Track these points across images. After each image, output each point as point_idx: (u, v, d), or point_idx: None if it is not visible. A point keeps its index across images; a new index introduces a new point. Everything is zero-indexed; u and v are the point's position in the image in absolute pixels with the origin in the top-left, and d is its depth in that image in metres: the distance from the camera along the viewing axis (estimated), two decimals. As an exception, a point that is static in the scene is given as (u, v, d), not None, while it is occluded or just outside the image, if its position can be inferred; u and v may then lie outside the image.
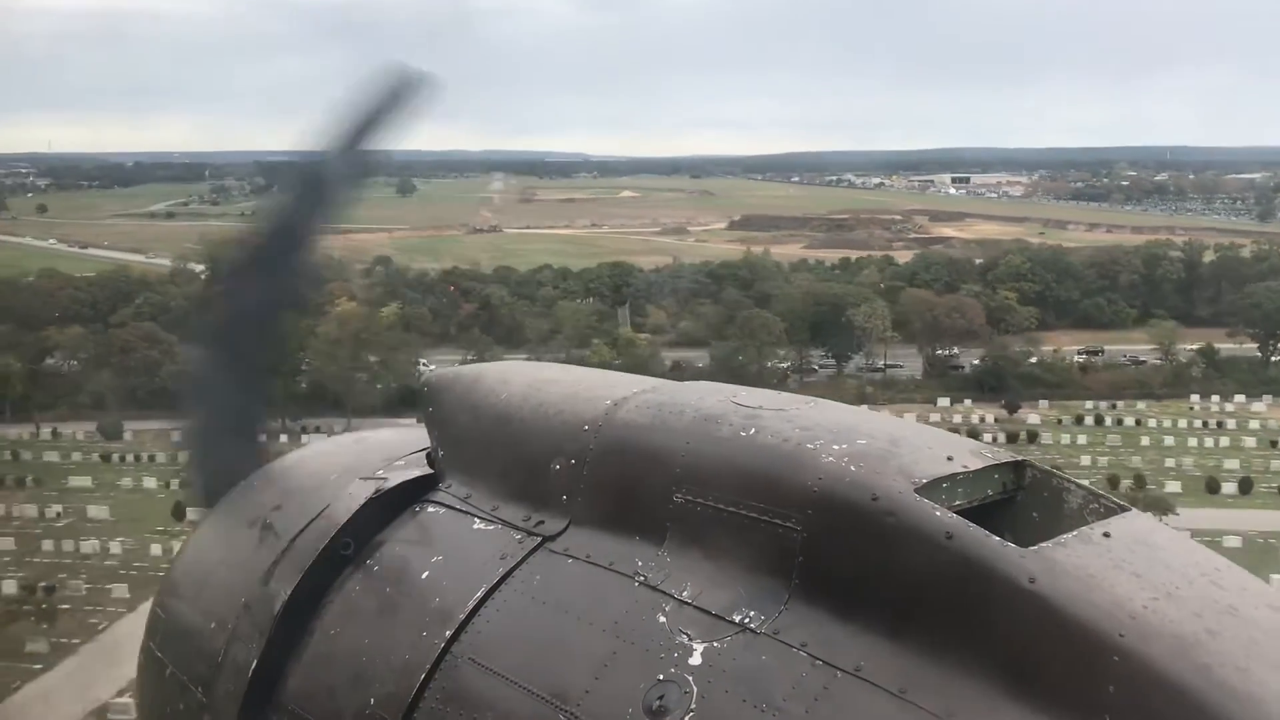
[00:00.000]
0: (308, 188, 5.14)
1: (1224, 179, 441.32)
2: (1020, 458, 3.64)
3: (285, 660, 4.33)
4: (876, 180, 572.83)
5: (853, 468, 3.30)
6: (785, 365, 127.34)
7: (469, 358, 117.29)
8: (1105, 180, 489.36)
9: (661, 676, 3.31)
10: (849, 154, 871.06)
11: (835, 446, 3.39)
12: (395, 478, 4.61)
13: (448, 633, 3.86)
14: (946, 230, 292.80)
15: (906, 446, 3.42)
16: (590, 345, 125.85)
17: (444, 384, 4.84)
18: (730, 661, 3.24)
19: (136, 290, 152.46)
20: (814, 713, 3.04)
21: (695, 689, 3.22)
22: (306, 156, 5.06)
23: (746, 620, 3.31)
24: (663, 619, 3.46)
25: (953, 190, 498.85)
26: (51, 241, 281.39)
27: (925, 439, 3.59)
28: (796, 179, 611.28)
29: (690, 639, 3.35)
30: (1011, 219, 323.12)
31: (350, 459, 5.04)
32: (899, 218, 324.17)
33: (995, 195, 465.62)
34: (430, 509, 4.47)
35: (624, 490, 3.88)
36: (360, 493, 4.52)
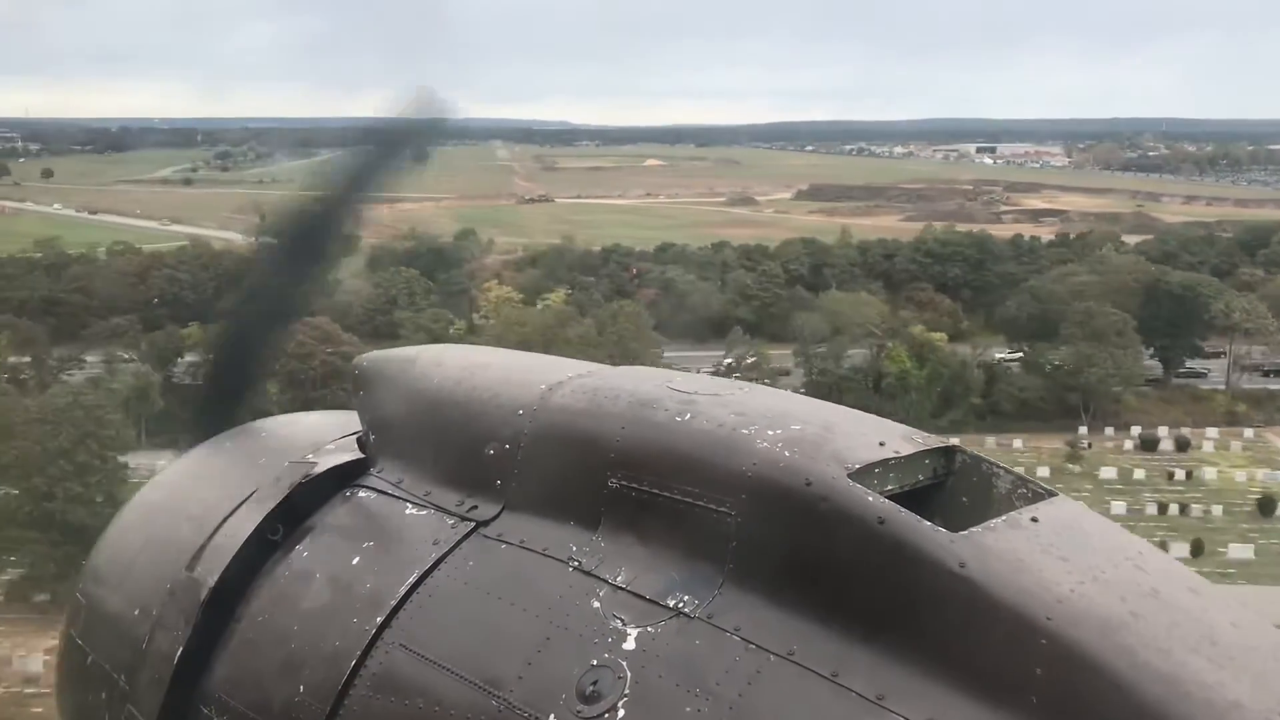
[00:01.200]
0: (340, 186, 5.15)
1: (1270, 150, 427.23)
2: (950, 443, 3.64)
3: (212, 648, 4.23)
4: (902, 149, 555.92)
5: (787, 453, 3.30)
6: (1143, 374, 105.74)
7: (734, 359, 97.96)
8: (1134, 151, 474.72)
9: (595, 662, 3.31)
10: (836, 124, 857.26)
11: (770, 432, 3.39)
12: (326, 462, 4.52)
13: (379, 619, 3.80)
14: (1034, 202, 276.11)
15: (840, 432, 3.43)
16: (873, 342, 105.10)
17: (376, 367, 4.71)
18: (664, 646, 3.24)
19: (242, 269, 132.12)
20: (747, 696, 3.06)
21: (629, 674, 3.23)
22: (363, 131, 5.20)
23: (680, 605, 3.31)
24: (597, 604, 3.44)
25: (989, 160, 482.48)
26: (60, 208, 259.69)
27: (858, 425, 3.60)
28: (811, 148, 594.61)
29: (624, 624, 3.34)
30: (1086, 190, 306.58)
31: (279, 442, 4.94)
32: (969, 187, 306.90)
33: (1037, 165, 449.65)
34: (361, 494, 4.39)
35: (558, 475, 3.84)
36: (290, 476, 4.43)
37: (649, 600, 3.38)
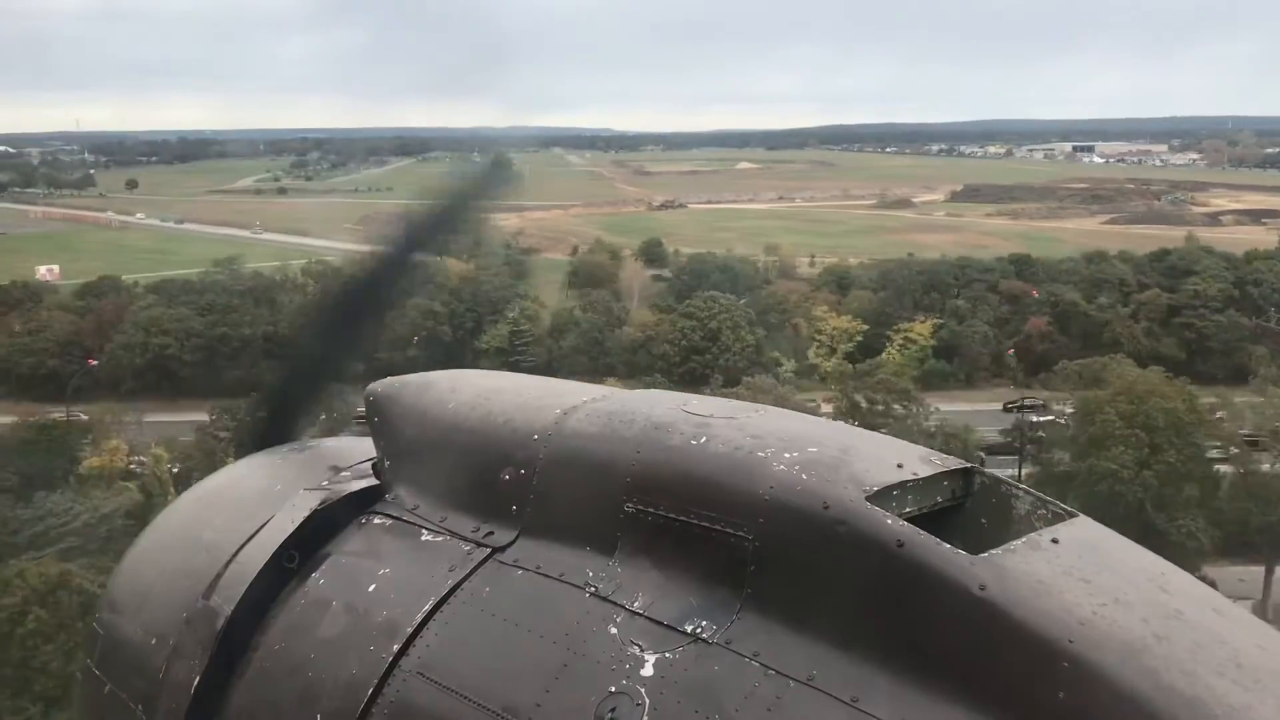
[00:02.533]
0: (414, 238, 5.29)
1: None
2: (969, 465, 3.62)
3: (229, 677, 4.23)
4: (998, 149, 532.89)
5: (804, 476, 3.27)
6: None
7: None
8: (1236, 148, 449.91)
9: (613, 688, 3.27)
10: (881, 126, 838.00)
11: (786, 455, 3.36)
12: (340, 489, 4.52)
13: (395, 647, 3.78)
14: (1220, 201, 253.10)
15: (857, 454, 3.40)
16: None
17: (390, 393, 4.68)
18: (682, 672, 3.20)
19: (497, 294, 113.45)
20: None
21: (647, 700, 3.19)
22: (419, 216, 5.33)
23: (699, 630, 3.28)
24: (614, 630, 3.41)
25: (1096, 159, 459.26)
26: (155, 219, 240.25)
27: (875, 447, 3.58)
28: (892, 149, 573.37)
29: (642, 650, 3.30)
30: (1259, 188, 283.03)
31: (294, 471, 4.96)
32: (1131, 187, 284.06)
33: (1158, 163, 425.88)
34: (376, 520, 4.39)
35: (574, 500, 3.81)
36: (305, 504, 4.43)
37: (667, 626, 3.33)
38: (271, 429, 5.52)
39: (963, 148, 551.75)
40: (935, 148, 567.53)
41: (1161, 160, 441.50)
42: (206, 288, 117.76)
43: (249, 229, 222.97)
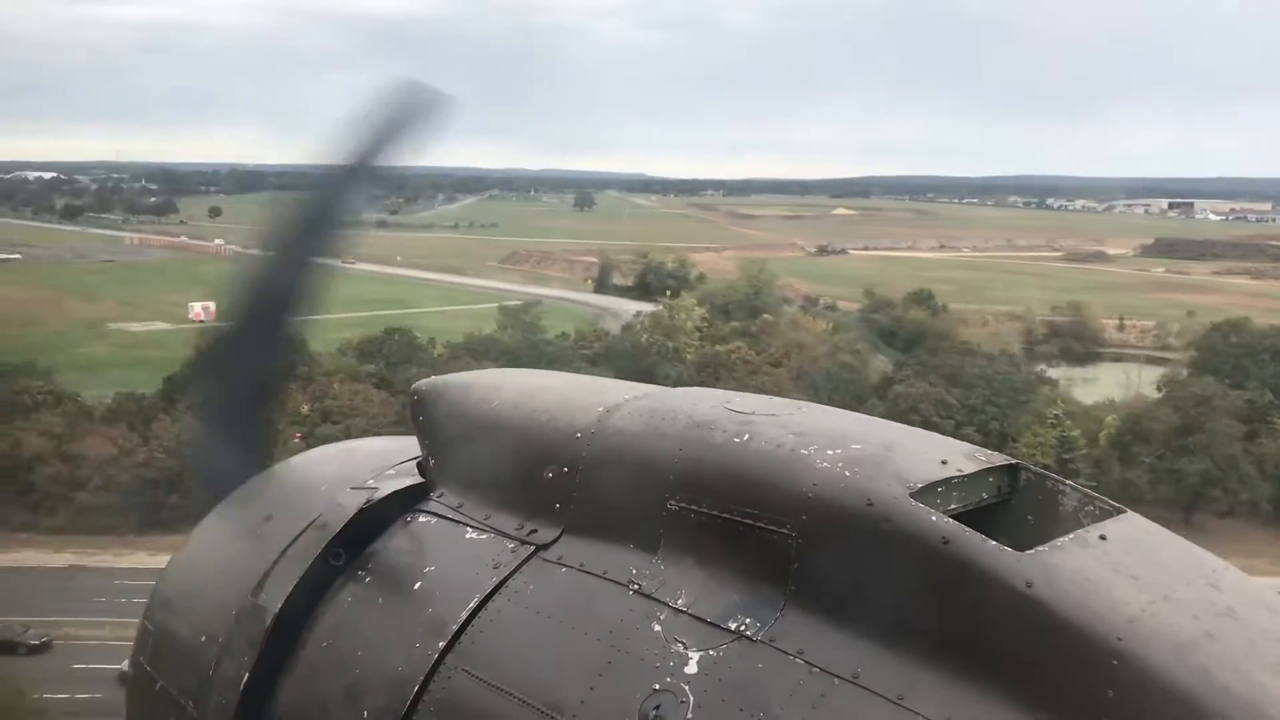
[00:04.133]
0: (315, 207, 5.00)
1: None
2: (1014, 461, 3.58)
3: (277, 674, 4.28)
4: (1091, 203, 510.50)
5: (847, 473, 3.25)
6: None
7: None
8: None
9: (657, 686, 3.25)
10: (924, 178, 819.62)
11: (830, 452, 3.35)
12: (386, 487, 4.54)
13: (441, 644, 3.80)
14: None
15: (901, 451, 3.38)
16: None
17: (435, 392, 4.70)
18: (726, 670, 3.19)
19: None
20: None
21: (691, 698, 3.18)
22: (318, 171, 4.98)
23: (742, 628, 3.26)
24: (658, 627, 3.40)
25: (1212, 216, 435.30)
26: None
27: (919, 443, 3.56)
28: (974, 200, 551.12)
29: (686, 647, 3.29)
30: None
31: (340, 469, 4.96)
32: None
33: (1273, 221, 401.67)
34: (422, 518, 4.42)
35: (617, 498, 3.80)
36: (351, 503, 4.46)
37: (710, 623, 3.31)
38: (222, 453, 5.19)
39: (1050, 201, 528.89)
40: (1016, 200, 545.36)
41: (1268, 219, 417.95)
42: (557, 353, 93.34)
43: (388, 263, 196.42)
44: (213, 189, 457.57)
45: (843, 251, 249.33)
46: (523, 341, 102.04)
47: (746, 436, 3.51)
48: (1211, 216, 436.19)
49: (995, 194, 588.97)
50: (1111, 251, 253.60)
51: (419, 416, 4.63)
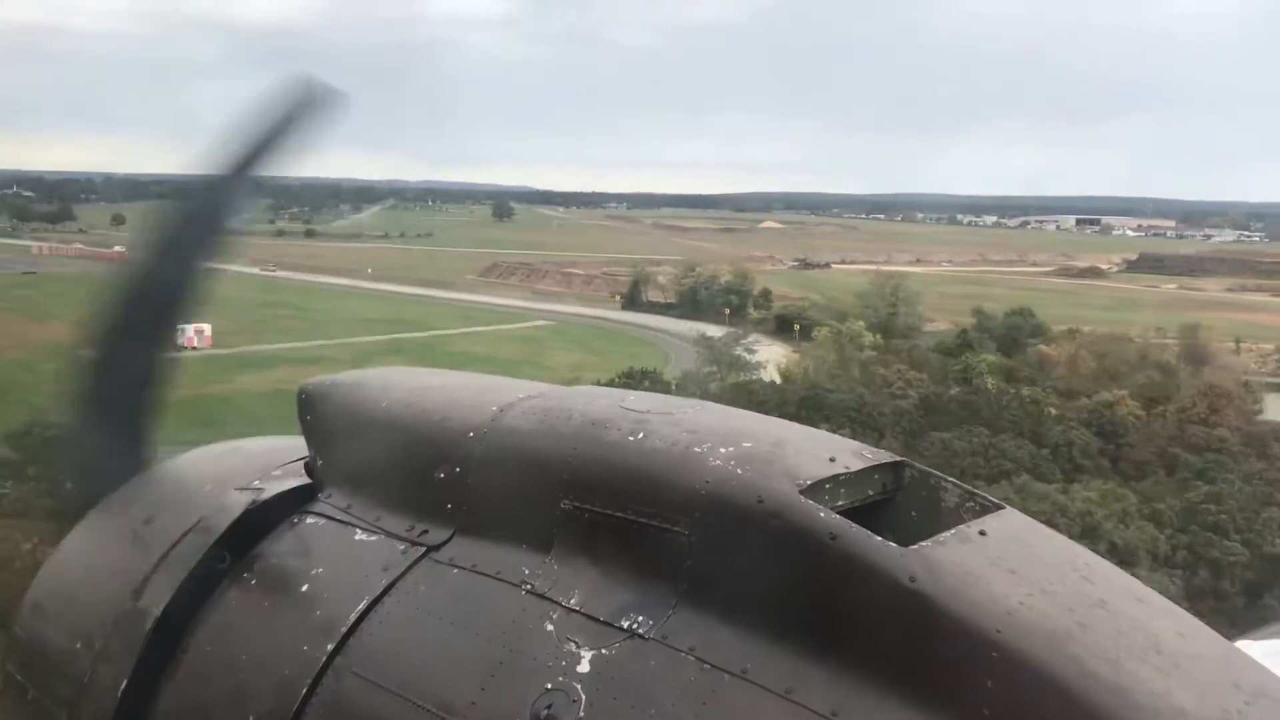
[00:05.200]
0: (196, 210, 4.85)
1: None
2: (899, 458, 3.64)
3: (158, 680, 4.12)
4: (1007, 220, 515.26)
5: (739, 471, 3.27)
6: None
7: None
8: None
9: (550, 685, 3.27)
10: (808, 195, 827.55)
11: (722, 449, 3.36)
12: (273, 488, 4.41)
13: (330, 646, 3.72)
14: None
15: (791, 448, 3.40)
16: None
17: (323, 390, 4.57)
18: (619, 668, 3.22)
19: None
20: (701, 716, 3.06)
21: (584, 697, 3.21)
22: (197, 178, 4.83)
23: (635, 626, 3.28)
24: (550, 627, 3.41)
25: (1130, 233, 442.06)
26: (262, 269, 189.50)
27: (809, 441, 3.57)
28: (882, 216, 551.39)
29: (578, 646, 3.31)
30: None
31: (225, 469, 4.78)
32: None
33: (1197, 237, 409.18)
34: (310, 520, 4.29)
35: (510, 497, 3.78)
36: (236, 504, 4.34)
37: (603, 622, 3.33)
38: (100, 453, 4.95)
39: (969, 218, 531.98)
40: (925, 216, 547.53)
41: (1177, 234, 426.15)
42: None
43: (359, 277, 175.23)
44: (94, 197, 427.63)
45: (826, 266, 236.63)
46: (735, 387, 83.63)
47: (640, 435, 3.50)
48: (1129, 233, 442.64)
49: (877, 210, 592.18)
50: (1110, 267, 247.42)
51: (306, 416, 4.51)
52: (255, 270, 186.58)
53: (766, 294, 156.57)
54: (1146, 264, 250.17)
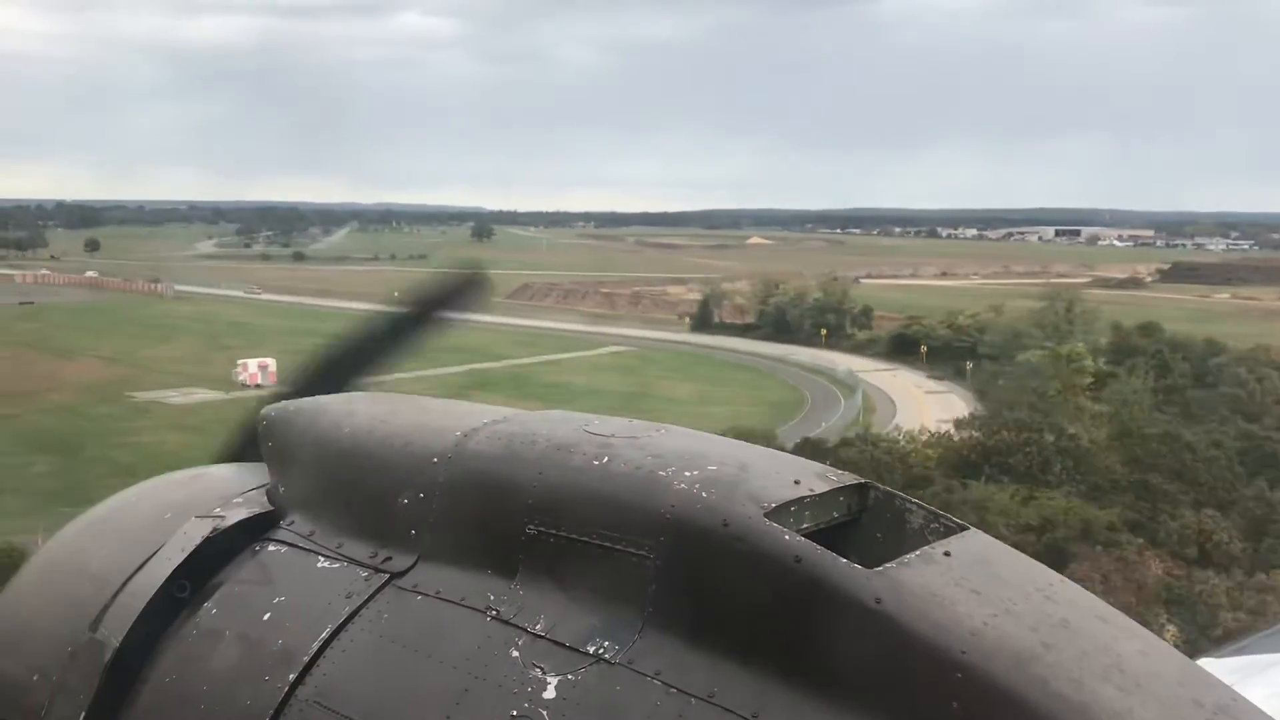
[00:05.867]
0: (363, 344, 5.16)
1: None
2: (863, 480, 3.65)
3: (117, 712, 4.04)
4: (987, 232, 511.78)
5: (704, 494, 3.26)
6: None
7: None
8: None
9: (515, 712, 3.24)
10: (769, 211, 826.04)
11: (687, 473, 3.34)
12: (233, 516, 4.32)
13: (291, 675, 3.66)
14: None
15: (755, 471, 3.40)
16: None
17: (285, 416, 4.53)
18: (585, 694, 3.20)
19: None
20: None
21: None
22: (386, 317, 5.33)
23: (601, 651, 3.25)
24: (516, 653, 3.37)
25: (1116, 243, 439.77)
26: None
27: (773, 464, 3.57)
28: (858, 231, 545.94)
29: (544, 672, 3.28)
30: None
31: (184, 497, 4.70)
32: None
33: (1188, 246, 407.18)
34: (271, 548, 4.21)
35: (474, 523, 3.73)
36: (196, 532, 4.24)
37: (569, 648, 3.31)
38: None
39: (947, 231, 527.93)
40: (906, 230, 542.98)
41: (1175, 244, 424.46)
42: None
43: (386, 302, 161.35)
44: (51, 223, 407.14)
45: (856, 281, 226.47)
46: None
47: (605, 459, 3.49)
48: (1116, 243, 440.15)
49: (837, 225, 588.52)
50: (1150, 277, 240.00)
51: (267, 442, 4.50)
52: (270, 296, 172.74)
53: (868, 312, 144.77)
54: (1181, 274, 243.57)
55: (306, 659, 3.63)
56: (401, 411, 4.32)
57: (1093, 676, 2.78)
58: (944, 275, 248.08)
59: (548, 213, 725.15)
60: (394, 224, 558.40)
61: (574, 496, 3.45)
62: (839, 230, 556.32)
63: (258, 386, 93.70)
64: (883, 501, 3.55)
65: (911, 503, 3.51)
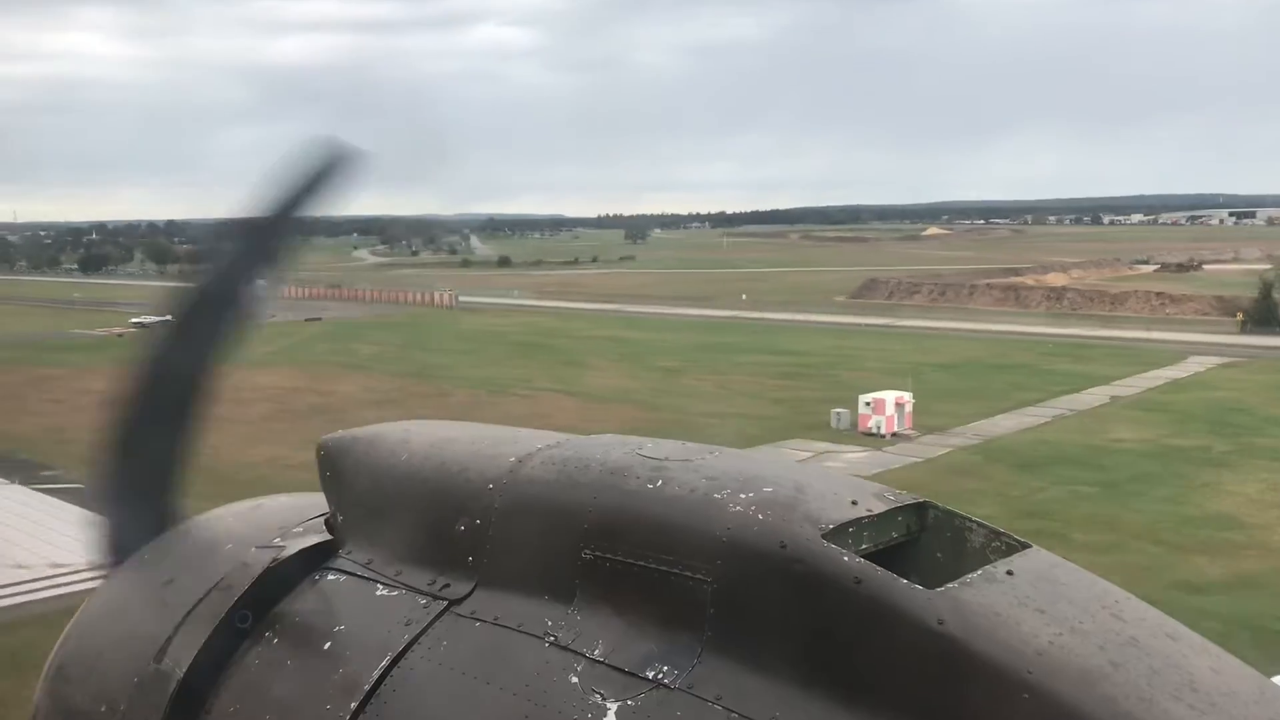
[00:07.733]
0: (240, 250, 4.97)
1: None
2: (922, 499, 3.60)
3: None
4: (1143, 218, 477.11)
5: (760, 516, 3.24)
6: None
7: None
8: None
9: None
10: (858, 207, 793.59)
11: (742, 495, 3.33)
12: (293, 545, 4.43)
13: (353, 704, 3.69)
14: None
15: (812, 493, 3.37)
16: None
17: (342, 446, 4.58)
18: (645, 719, 3.16)
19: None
20: None
21: None
22: (239, 222, 5.01)
23: (660, 676, 3.22)
24: (575, 679, 3.35)
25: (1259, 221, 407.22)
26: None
27: (829, 484, 3.55)
28: (1004, 221, 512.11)
29: (604, 698, 3.25)
30: None
31: (245, 527, 4.82)
32: None
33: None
34: (330, 576, 4.29)
35: (531, 549, 3.73)
36: (257, 562, 4.35)
37: (628, 673, 3.27)
38: (124, 514, 4.96)
39: (1109, 218, 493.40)
40: (1058, 219, 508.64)
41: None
42: None
43: (737, 308, 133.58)
44: (177, 239, 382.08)
45: (1199, 267, 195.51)
46: None
47: (660, 483, 3.47)
48: (1258, 222, 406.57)
49: (918, 219, 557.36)
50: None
51: (325, 472, 4.51)
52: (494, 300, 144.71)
53: None
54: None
55: (367, 688, 3.61)
56: (456, 439, 4.29)
57: (1164, 695, 2.68)
58: (1267, 257, 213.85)
59: (662, 216, 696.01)
60: (508, 230, 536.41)
61: (629, 521, 3.39)
62: (983, 221, 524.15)
63: (894, 435, 60.86)
64: (942, 521, 3.47)
65: (972, 521, 3.43)
